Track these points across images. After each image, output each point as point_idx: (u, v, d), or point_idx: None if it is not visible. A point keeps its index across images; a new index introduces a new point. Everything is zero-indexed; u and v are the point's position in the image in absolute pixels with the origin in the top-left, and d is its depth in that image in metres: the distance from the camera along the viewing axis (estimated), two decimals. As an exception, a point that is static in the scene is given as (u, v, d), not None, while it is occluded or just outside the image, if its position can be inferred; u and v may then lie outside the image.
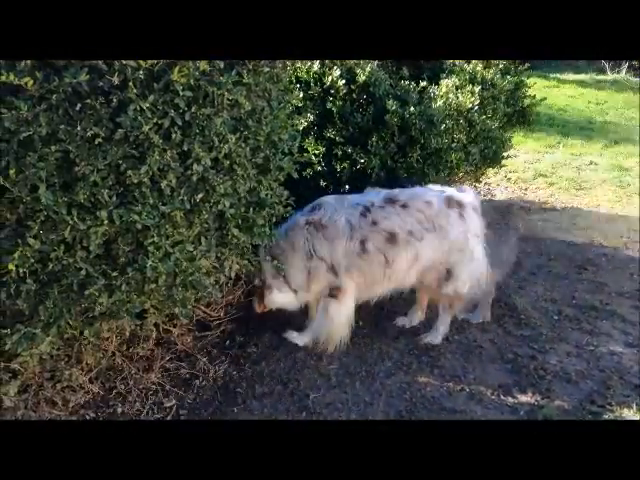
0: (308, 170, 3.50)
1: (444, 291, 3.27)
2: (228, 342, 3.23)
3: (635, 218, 5.65)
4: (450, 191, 3.28)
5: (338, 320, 3.17)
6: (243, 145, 2.32)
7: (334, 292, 3.14)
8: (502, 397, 2.93)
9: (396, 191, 3.20)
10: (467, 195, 3.29)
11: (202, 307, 3.02)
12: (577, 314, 3.74)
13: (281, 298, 3.20)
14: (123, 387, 2.70)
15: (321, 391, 2.92)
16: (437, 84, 3.93)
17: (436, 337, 3.38)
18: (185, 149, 2.10)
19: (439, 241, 3.14)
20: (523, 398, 2.93)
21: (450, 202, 3.18)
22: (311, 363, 3.14)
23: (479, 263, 3.30)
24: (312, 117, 3.48)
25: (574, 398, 2.96)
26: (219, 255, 2.49)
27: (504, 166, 6.23)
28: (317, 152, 3.37)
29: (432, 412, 2.80)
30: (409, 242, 3.09)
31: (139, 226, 2.04)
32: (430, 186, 3.36)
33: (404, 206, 3.10)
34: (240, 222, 2.49)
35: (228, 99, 2.16)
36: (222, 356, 3.10)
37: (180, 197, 2.16)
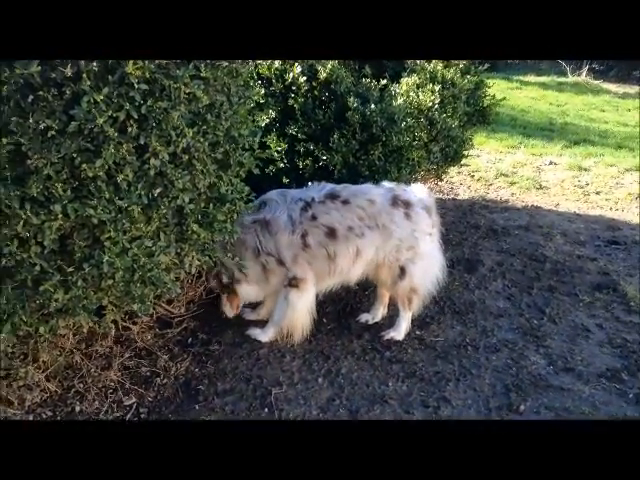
0: (271, 167, 3.51)
1: (400, 288, 3.33)
2: (190, 340, 3.21)
3: (592, 217, 5.83)
4: (398, 190, 3.31)
5: (300, 307, 3.22)
6: (202, 140, 2.31)
7: (294, 282, 3.19)
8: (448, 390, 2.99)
9: (340, 187, 3.26)
10: (417, 193, 3.34)
11: (163, 304, 2.99)
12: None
13: (250, 290, 3.28)
14: (82, 385, 2.65)
15: (283, 387, 2.92)
16: (398, 82, 3.98)
17: (399, 333, 3.42)
18: (142, 143, 2.09)
19: (383, 239, 3.20)
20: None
21: (395, 201, 3.22)
22: (274, 360, 3.14)
23: (433, 260, 3.38)
24: (274, 114, 3.50)
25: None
26: (179, 251, 2.47)
27: (467, 165, 6.36)
28: (279, 149, 3.39)
29: (392, 407, 2.84)
30: (348, 238, 3.15)
31: (95, 221, 2.02)
32: (384, 183, 3.40)
33: (345, 202, 3.16)
34: (200, 217, 2.48)
35: (185, 93, 2.16)
36: (184, 354, 3.08)
37: (137, 192, 2.14)
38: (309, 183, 3.30)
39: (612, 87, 14.14)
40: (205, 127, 2.33)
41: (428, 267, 3.35)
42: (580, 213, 5.94)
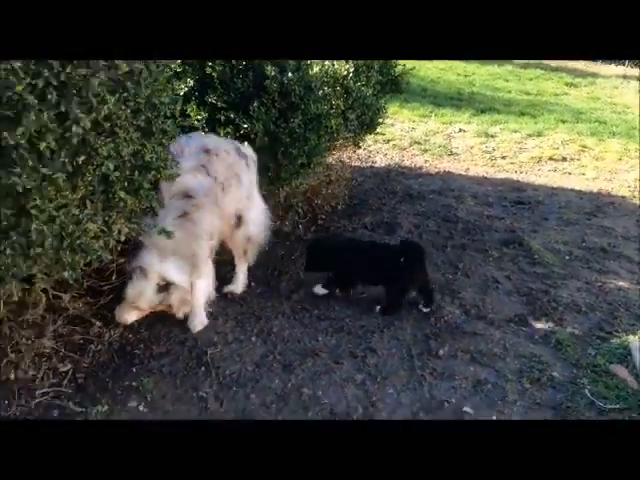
0: (193, 136, 3.53)
1: (237, 237, 3.43)
2: (123, 308, 3.22)
3: (499, 179, 6.25)
4: (236, 143, 3.39)
5: None
6: (123, 107, 2.33)
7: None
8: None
9: (193, 137, 3.20)
10: (247, 149, 3.44)
11: (93, 273, 2.98)
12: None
13: None
14: (14, 355, 2.62)
15: (218, 347, 3.03)
16: (314, 52, 4.07)
17: (237, 286, 3.55)
18: (63, 110, 2.10)
19: (237, 188, 3.26)
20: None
21: (239, 152, 3.31)
22: (207, 323, 3.22)
23: (261, 209, 3.55)
24: (192, 82, 3.51)
25: (585, 326, 3.53)
26: (106, 219, 2.49)
27: (382, 134, 6.58)
28: (200, 117, 3.42)
29: (323, 359, 3.03)
30: (229, 189, 3.20)
31: (20, 189, 2.02)
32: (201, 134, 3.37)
33: (216, 155, 3.15)
34: (126, 185, 2.51)
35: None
36: (117, 321, 3.11)
37: (61, 159, 2.14)
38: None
39: (515, 58, 14.88)
40: (126, 94, 2.35)
41: (259, 215, 3.51)
42: (488, 177, 6.35)
